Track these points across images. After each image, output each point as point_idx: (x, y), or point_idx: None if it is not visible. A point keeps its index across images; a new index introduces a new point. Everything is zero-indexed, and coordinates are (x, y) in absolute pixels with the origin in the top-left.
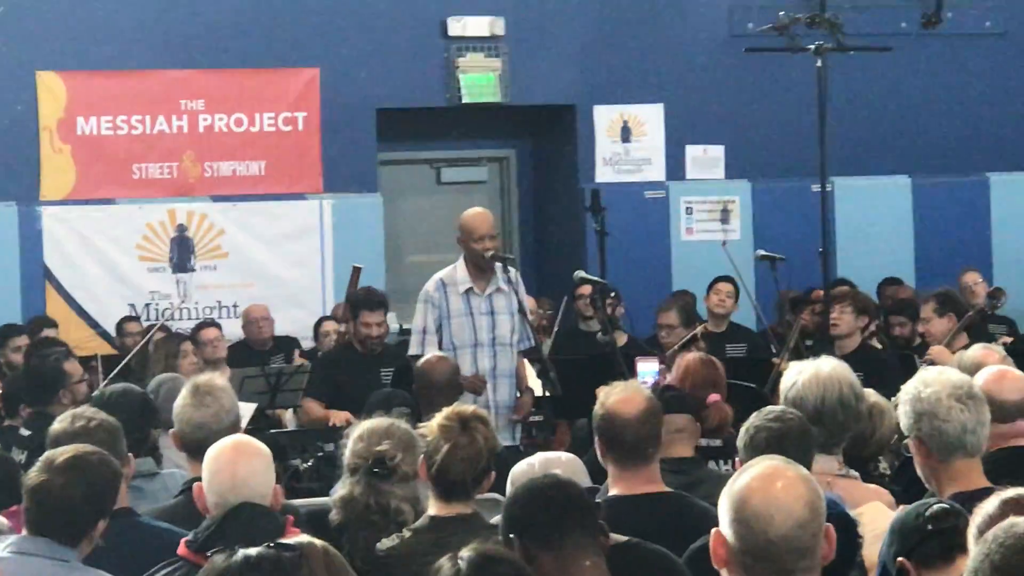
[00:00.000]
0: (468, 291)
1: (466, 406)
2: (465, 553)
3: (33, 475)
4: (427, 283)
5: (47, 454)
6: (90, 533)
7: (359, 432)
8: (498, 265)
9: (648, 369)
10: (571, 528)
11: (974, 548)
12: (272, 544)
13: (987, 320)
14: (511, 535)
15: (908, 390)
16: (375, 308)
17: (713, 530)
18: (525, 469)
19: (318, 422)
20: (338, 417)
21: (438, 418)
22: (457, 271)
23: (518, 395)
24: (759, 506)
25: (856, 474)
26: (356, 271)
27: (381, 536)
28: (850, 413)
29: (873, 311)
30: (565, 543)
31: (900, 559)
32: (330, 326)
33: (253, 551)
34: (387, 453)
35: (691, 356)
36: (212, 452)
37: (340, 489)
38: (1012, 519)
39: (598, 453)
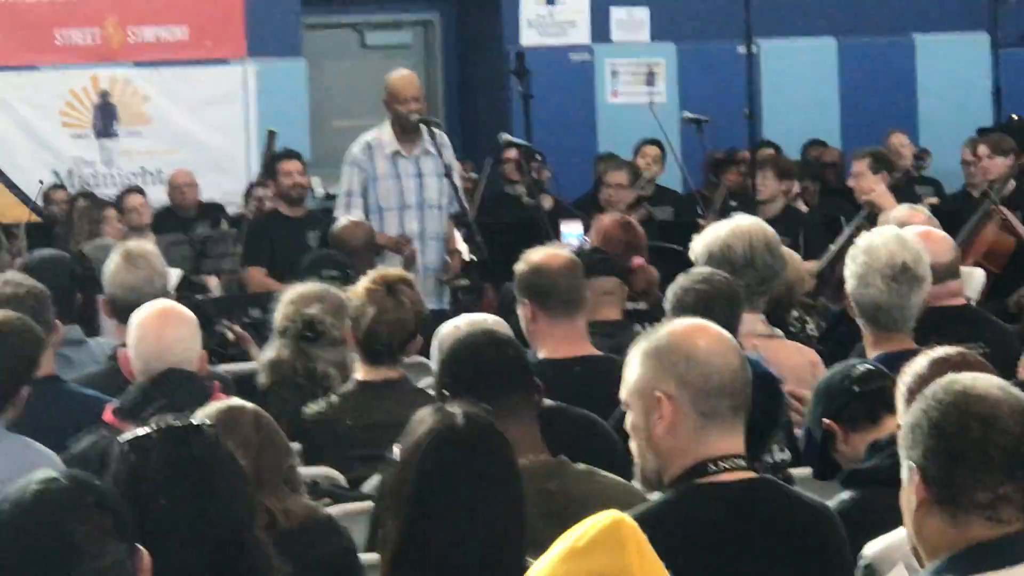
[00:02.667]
0: (395, 153)
1: (391, 269)
2: (453, 407)
3: None
4: (353, 145)
5: None
6: (13, 399)
7: (290, 295)
8: (425, 128)
9: (572, 231)
10: (507, 387)
11: (904, 407)
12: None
13: (913, 182)
14: (445, 392)
15: (858, 245)
16: (292, 157)
17: (654, 395)
18: (451, 331)
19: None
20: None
21: (363, 282)
22: (383, 133)
23: (446, 258)
24: (710, 347)
25: (780, 333)
26: (271, 135)
27: (307, 399)
28: (776, 257)
29: (796, 174)
30: (501, 402)
31: (826, 421)
32: (261, 192)
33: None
34: (316, 317)
35: (608, 219)
36: (137, 318)
37: (268, 352)
38: (951, 376)
39: (524, 316)
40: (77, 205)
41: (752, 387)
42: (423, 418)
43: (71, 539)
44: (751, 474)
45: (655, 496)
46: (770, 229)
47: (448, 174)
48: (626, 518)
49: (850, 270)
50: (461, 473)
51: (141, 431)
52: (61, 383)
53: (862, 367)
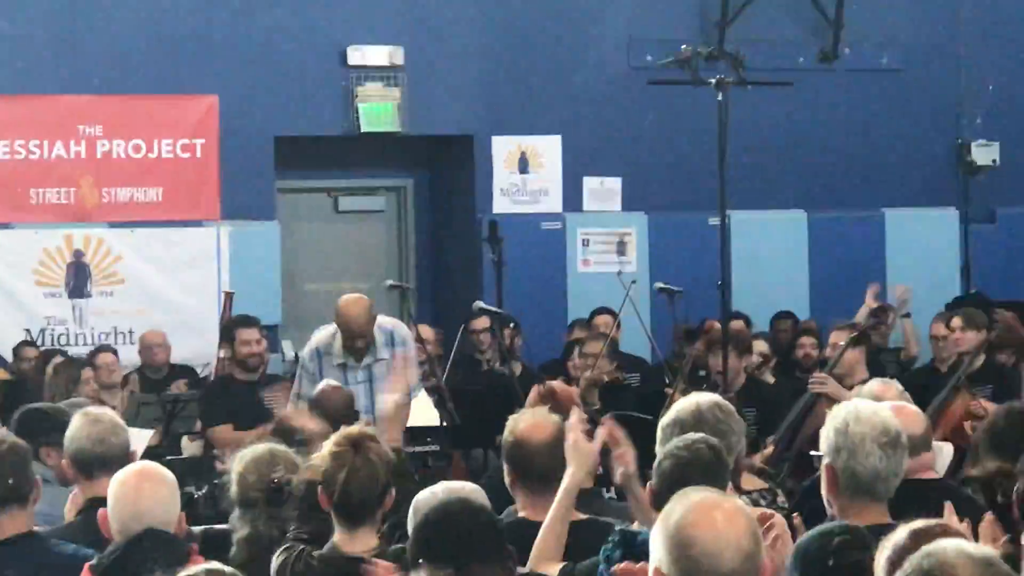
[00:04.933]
0: (342, 365)
1: (353, 427)
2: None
3: None
4: (305, 348)
5: None
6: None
7: (244, 465)
8: (383, 327)
9: None
10: (479, 554)
11: None
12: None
13: (880, 351)
14: (420, 560)
15: (837, 416)
16: (250, 325)
17: (651, 568)
18: (428, 498)
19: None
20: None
21: (327, 445)
22: (334, 342)
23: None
24: (706, 542)
25: (745, 499)
26: (228, 297)
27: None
28: (735, 426)
29: (751, 349)
30: (474, 570)
31: None
32: (222, 353)
33: None
34: (283, 479)
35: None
36: (117, 478)
37: (240, 528)
38: (933, 545)
39: (507, 480)
40: (53, 362)
41: None
42: None
43: None
44: None
45: None
46: (724, 401)
47: (410, 362)
48: None
49: (838, 442)
50: None
51: None
52: (40, 540)
53: (839, 537)
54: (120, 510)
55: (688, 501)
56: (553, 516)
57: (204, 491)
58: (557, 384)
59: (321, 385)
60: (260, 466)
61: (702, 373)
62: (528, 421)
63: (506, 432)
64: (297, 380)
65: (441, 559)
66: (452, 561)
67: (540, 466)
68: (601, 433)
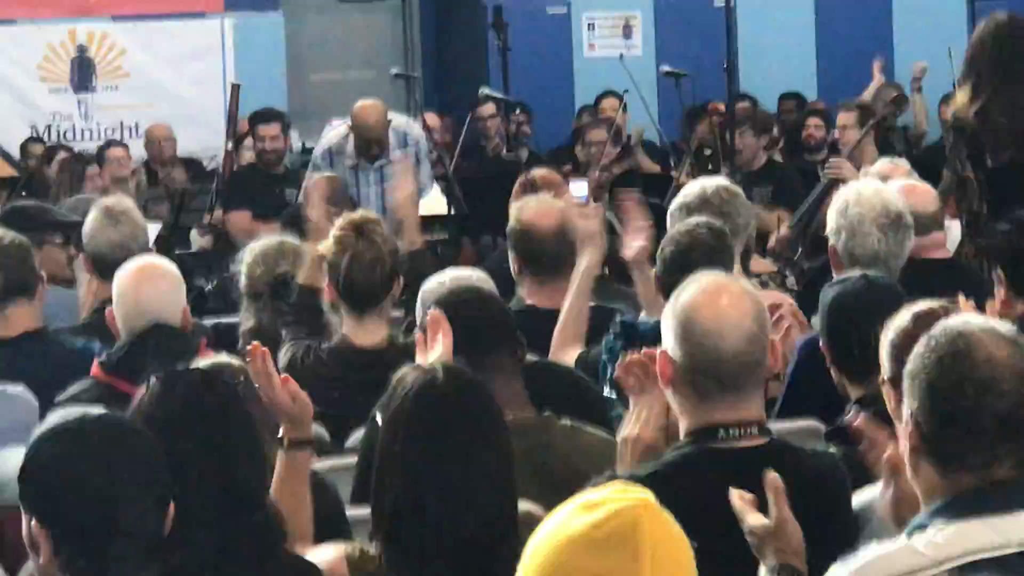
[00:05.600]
0: (355, 165)
1: (357, 213)
2: (436, 365)
3: None
4: (317, 146)
5: None
6: None
7: (253, 257)
8: (397, 128)
9: (578, 191)
10: (491, 344)
11: (889, 363)
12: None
13: (889, 131)
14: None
15: (840, 197)
16: (269, 120)
17: (658, 351)
18: (435, 287)
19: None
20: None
21: (332, 231)
22: (347, 143)
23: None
24: (708, 323)
25: (754, 283)
26: (235, 89)
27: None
28: (743, 207)
29: (772, 128)
30: (485, 359)
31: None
32: (228, 146)
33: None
34: (287, 273)
35: None
36: (117, 276)
37: (247, 320)
38: (955, 328)
39: (513, 268)
40: (58, 158)
41: None
42: (405, 377)
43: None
44: (761, 440)
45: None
46: (729, 184)
47: (419, 164)
48: (648, 514)
49: (839, 223)
50: (448, 430)
51: (172, 370)
52: (50, 335)
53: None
54: (122, 306)
55: (695, 284)
56: (573, 301)
57: (214, 284)
58: (538, 173)
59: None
60: (267, 259)
61: (708, 152)
62: (533, 208)
63: (511, 220)
64: (308, 177)
65: (453, 349)
66: (462, 351)
67: (547, 252)
68: (598, 210)
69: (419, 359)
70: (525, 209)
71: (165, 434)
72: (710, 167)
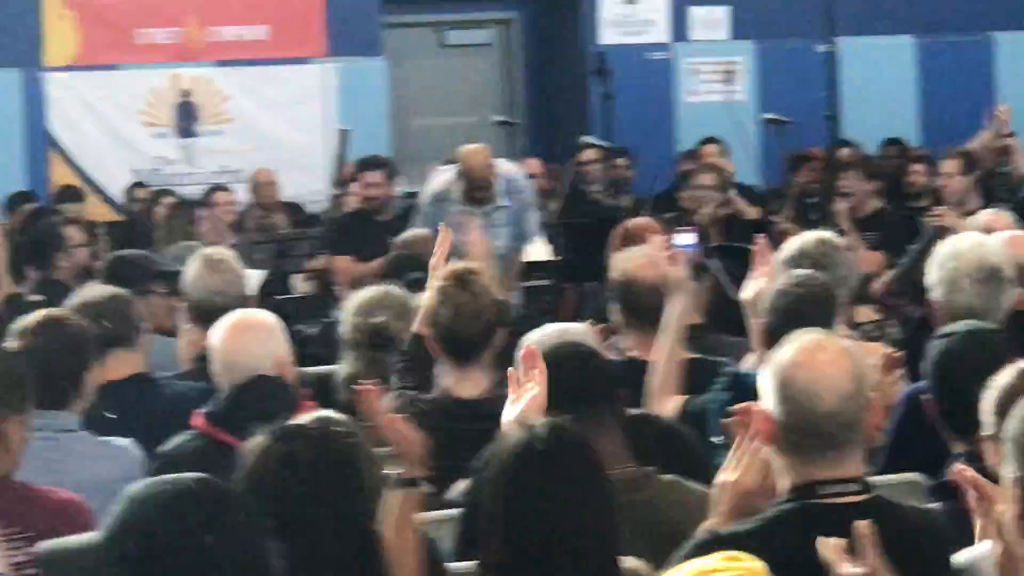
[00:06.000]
0: (461, 211)
1: (459, 263)
2: (537, 423)
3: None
4: (425, 189)
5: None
6: (78, 391)
7: (354, 305)
8: (506, 174)
9: (684, 241)
10: (594, 400)
11: (993, 420)
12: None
13: (994, 181)
14: None
15: (940, 251)
16: (374, 167)
17: (756, 410)
18: (538, 340)
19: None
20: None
21: (433, 282)
22: (453, 187)
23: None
24: (806, 382)
25: (855, 335)
26: (343, 134)
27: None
28: (848, 262)
29: (879, 173)
30: (587, 415)
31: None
32: (336, 191)
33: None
34: (383, 324)
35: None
36: (215, 330)
37: (344, 367)
38: None
39: (615, 318)
40: (164, 203)
41: None
42: (507, 435)
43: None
44: (861, 497)
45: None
46: (830, 236)
47: (527, 209)
48: None
49: (936, 276)
50: (549, 488)
51: (290, 425)
52: (152, 380)
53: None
54: (220, 360)
55: (793, 344)
56: (667, 348)
57: (317, 330)
58: (635, 223)
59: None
60: (366, 309)
61: (810, 201)
62: (636, 260)
63: (614, 272)
64: (412, 222)
65: (555, 406)
66: (567, 407)
67: (649, 304)
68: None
69: (511, 396)
70: (628, 261)
71: (272, 492)
72: (811, 216)
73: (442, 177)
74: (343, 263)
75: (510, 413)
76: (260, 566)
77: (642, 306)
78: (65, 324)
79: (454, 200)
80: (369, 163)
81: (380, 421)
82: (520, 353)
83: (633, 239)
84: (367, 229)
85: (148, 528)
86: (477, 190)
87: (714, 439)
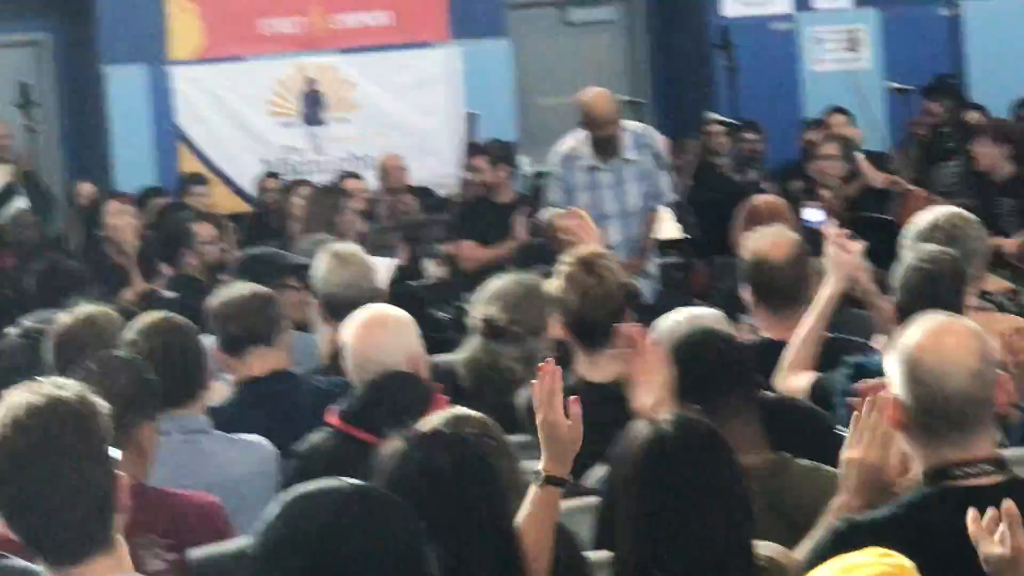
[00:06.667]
0: (591, 167)
1: (585, 247)
2: (665, 416)
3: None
4: (552, 154)
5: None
6: (196, 395)
7: (480, 294)
8: (633, 130)
9: (813, 217)
10: (729, 386)
11: None
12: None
13: None
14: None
15: None
16: (479, 152)
17: (883, 395)
18: (671, 326)
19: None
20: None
21: (560, 268)
22: (581, 145)
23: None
24: (933, 364)
25: (991, 305)
26: (470, 118)
27: (502, 395)
28: (980, 234)
29: (1014, 136)
30: (723, 401)
31: None
32: (466, 175)
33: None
34: (494, 317)
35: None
36: (346, 328)
37: (465, 351)
38: None
39: (746, 299)
40: (301, 192)
41: None
42: (637, 430)
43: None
44: (998, 477)
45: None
46: (960, 211)
47: (660, 166)
48: None
49: None
50: (679, 482)
51: (426, 431)
52: (293, 376)
53: None
54: (352, 358)
55: (918, 326)
56: (811, 326)
57: (450, 314)
58: (760, 201)
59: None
60: (483, 300)
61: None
62: (766, 239)
63: (744, 251)
64: (549, 189)
65: (690, 394)
66: (702, 395)
67: (781, 284)
68: (858, 244)
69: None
70: (758, 240)
71: (413, 499)
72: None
73: (569, 138)
74: (468, 249)
75: (639, 400)
76: (422, 573)
77: (775, 286)
78: (182, 323)
79: (584, 156)
80: (473, 149)
81: (552, 402)
82: (650, 338)
83: (759, 217)
84: (488, 213)
85: (310, 540)
86: (603, 127)
87: (839, 429)
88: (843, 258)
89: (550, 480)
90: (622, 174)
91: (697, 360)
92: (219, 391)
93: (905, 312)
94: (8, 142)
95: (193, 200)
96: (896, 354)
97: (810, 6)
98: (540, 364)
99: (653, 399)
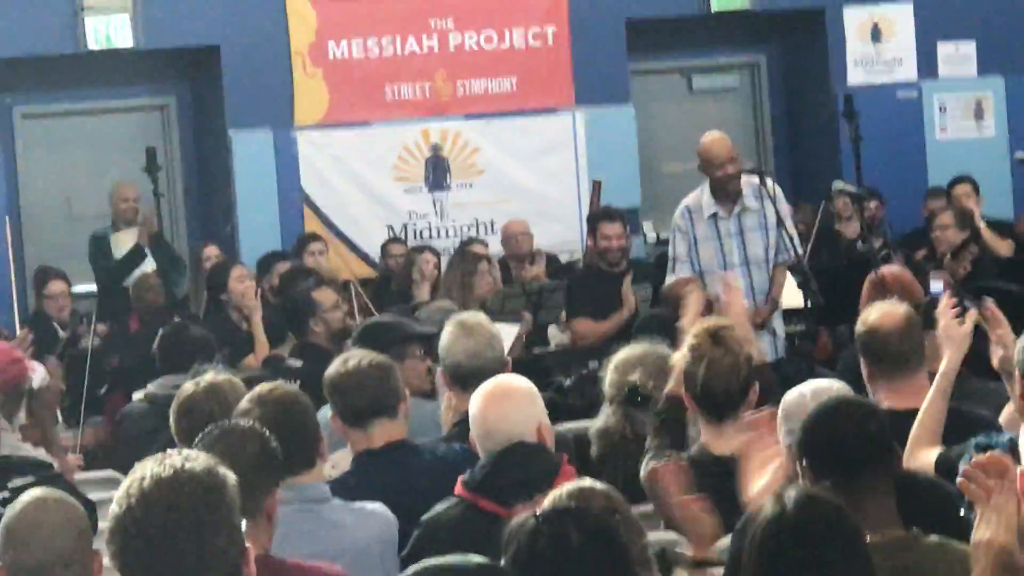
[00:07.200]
0: (713, 216)
1: (712, 318)
2: (789, 493)
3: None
4: (676, 212)
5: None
6: (310, 463)
7: (615, 362)
8: (751, 180)
9: (937, 288)
10: (865, 461)
11: None
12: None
13: None
14: (803, 462)
15: None
16: (612, 219)
17: (1013, 475)
18: (797, 399)
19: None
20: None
21: (687, 339)
22: (703, 196)
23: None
24: None
25: None
26: (596, 185)
27: (637, 466)
28: None
29: None
30: (858, 476)
31: None
32: (590, 243)
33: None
34: (639, 383)
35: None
36: (472, 399)
37: (599, 419)
38: None
39: (864, 374)
40: (427, 258)
41: None
42: (761, 506)
43: None
44: None
45: None
46: None
47: (780, 223)
48: None
49: None
50: (802, 561)
51: (555, 505)
52: (415, 446)
53: None
54: (478, 428)
55: None
56: (932, 401)
57: (572, 380)
58: (886, 272)
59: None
60: (625, 365)
61: None
62: (878, 310)
63: (858, 325)
64: (672, 244)
65: (822, 469)
66: (834, 470)
67: (894, 352)
68: (971, 315)
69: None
70: (870, 313)
71: (540, 572)
72: None
73: (692, 193)
74: (583, 326)
75: (750, 480)
76: None
77: (887, 354)
78: (295, 392)
79: (704, 206)
80: (604, 215)
81: (675, 501)
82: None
83: (885, 288)
84: (602, 283)
85: None
86: (724, 166)
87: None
88: (954, 331)
89: (700, 563)
90: (743, 222)
91: (832, 434)
92: (343, 460)
93: None
94: (136, 205)
95: (312, 259)
96: None
97: (935, 73)
98: (657, 465)
99: (766, 479)
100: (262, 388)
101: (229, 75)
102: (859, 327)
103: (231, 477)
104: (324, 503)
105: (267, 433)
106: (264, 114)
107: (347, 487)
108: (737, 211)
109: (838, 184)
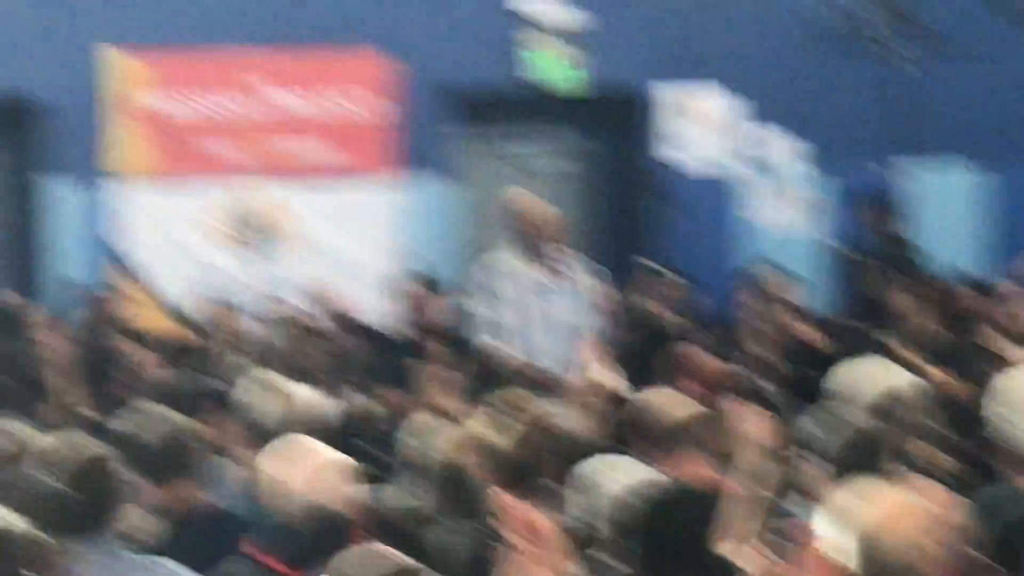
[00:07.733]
0: (514, 273)
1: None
2: None
3: None
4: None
5: None
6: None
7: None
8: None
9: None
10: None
11: None
12: None
13: None
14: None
15: None
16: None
17: None
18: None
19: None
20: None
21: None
22: (507, 253)
23: None
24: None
25: None
26: (408, 250)
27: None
28: None
29: None
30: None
31: None
32: None
33: None
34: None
35: None
36: (266, 457)
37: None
38: None
39: None
40: (230, 315)
41: None
42: None
43: None
44: None
45: None
46: None
47: (587, 288)
48: None
49: None
50: None
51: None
52: (212, 507)
53: None
54: (269, 490)
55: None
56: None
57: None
58: (681, 351)
59: None
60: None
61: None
62: None
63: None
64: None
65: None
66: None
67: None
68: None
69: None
70: None
71: None
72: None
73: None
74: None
75: None
76: None
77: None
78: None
79: (504, 263)
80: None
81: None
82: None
83: (681, 367)
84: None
85: None
86: (528, 235)
87: None
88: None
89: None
90: (548, 284)
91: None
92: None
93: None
94: None
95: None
96: None
97: (749, 157)
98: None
99: None
100: (59, 442)
101: (43, 122)
102: None
103: (24, 528)
104: (115, 558)
105: (58, 486)
106: (74, 164)
107: (143, 545)
108: (544, 272)
109: (644, 260)
